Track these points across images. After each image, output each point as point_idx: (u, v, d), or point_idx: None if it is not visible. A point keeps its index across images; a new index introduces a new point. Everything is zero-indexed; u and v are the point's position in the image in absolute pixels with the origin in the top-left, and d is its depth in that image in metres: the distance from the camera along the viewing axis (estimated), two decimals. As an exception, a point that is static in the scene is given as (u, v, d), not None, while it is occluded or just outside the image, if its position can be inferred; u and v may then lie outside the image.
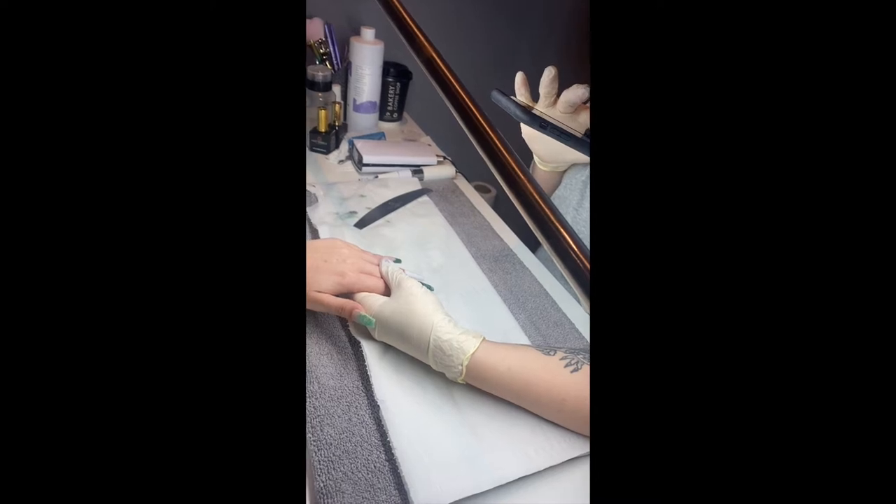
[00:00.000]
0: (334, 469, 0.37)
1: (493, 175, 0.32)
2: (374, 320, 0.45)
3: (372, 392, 0.43)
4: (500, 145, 0.32)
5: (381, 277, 0.49)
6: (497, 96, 0.48)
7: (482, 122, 0.34)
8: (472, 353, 0.42)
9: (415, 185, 0.79)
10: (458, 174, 0.87)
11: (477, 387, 0.43)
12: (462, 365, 0.41)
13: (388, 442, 0.39)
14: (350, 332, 0.49)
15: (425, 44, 0.41)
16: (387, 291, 0.48)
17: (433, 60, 0.39)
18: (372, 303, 0.46)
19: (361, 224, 0.67)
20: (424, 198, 0.77)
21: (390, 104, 1.02)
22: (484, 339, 0.43)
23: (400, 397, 0.43)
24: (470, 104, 0.36)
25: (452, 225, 0.71)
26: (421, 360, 0.44)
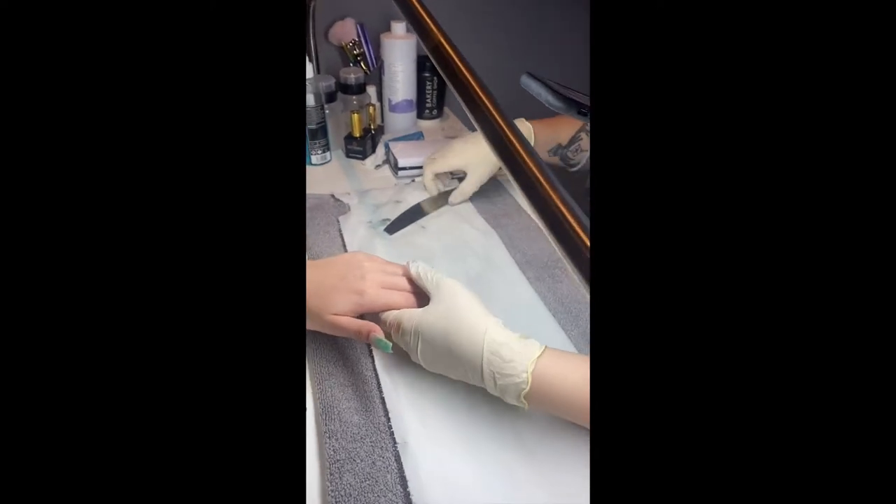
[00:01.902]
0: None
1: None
2: (390, 344, 0.40)
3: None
4: (511, 136, 0.26)
5: (409, 287, 0.44)
6: (527, 81, 0.41)
7: (494, 112, 0.28)
8: (539, 358, 0.35)
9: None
10: (503, 170, 0.80)
11: (538, 407, 0.36)
12: (527, 373, 0.34)
13: (408, 492, 0.34)
14: (373, 359, 0.44)
15: (433, 28, 0.35)
16: (417, 303, 0.43)
17: (441, 46, 0.34)
18: (411, 316, 0.40)
19: (392, 229, 0.62)
20: (464, 199, 0.70)
21: (428, 101, 0.96)
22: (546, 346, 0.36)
23: (423, 436, 0.38)
24: (483, 96, 0.30)
25: (494, 228, 0.64)
26: (471, 381, 0.38)
